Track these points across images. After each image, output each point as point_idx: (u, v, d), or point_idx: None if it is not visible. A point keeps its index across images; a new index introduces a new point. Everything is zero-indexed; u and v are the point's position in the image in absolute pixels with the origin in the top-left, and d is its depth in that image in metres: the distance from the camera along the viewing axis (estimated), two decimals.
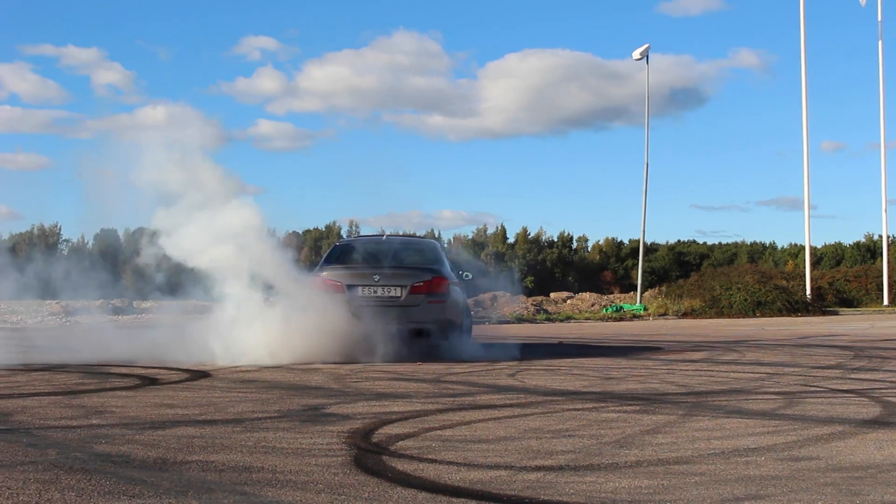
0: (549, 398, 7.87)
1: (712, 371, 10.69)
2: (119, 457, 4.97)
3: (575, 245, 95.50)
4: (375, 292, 12.61)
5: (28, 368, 10.83)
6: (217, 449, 5.22)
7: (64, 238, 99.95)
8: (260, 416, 6.69)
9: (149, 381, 9.22)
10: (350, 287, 12.60)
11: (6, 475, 4.49)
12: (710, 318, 34.84)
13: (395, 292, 12.70)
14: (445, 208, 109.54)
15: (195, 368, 10.60)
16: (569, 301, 41.09)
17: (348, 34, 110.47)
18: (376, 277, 12.70)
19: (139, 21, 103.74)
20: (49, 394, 8.13)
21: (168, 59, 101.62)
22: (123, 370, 10.50)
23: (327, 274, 12.85)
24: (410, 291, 12.77)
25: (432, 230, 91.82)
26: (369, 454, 5.09)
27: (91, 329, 21.89)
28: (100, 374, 10.08)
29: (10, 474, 4.51)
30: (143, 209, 13.47)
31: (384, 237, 15.41)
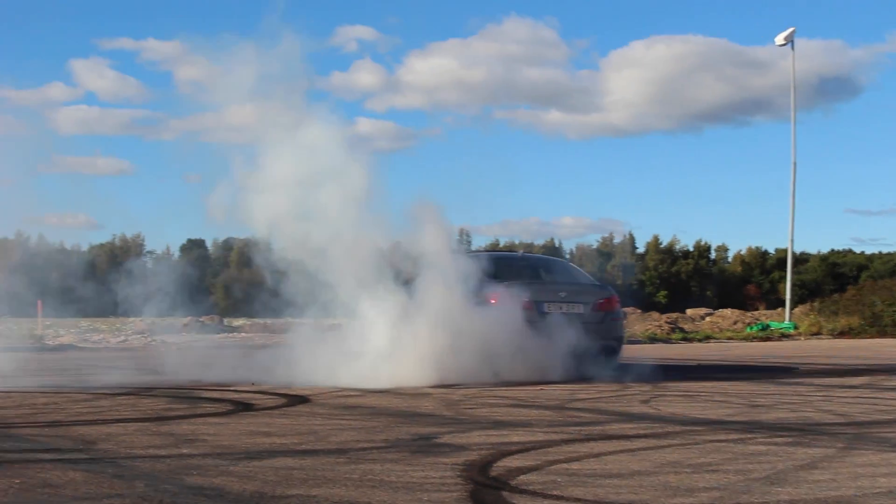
0: (689, 428, 7.78)
1: (875, 398, 10.46)
2: (212, 490, 5.04)
3: (713, 255, 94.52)
4: (561, 308, 13.19)
5: (112, 392, 11.08)
6: (319, 482, 5.27)
7: (148, 249, 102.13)
8: (365, 445, 6.73)
9: (243, 407, 9.36)
10: (535, 303, 13.13)
11: None
12: (871, 337, 34.11)
13: (579, 309, 13.41)
14: (566, 215, 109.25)
15: (293, 393, 10.73)
16: (707, 318, 40.65)
17: (454, 22, 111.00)
18: (562, 294, 13.42)
19: (224, 11, 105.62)
20: (135, 420, 8.31)
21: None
22: (215, 394, 10.68)
23: (511, 289, 13.13)
24: (593, 308, 13.59)
25: (552, 239, 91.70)
26: (487, 489, 5.08)
27: (179, 349, 22.32)
28: (189, 399, 10.27)
29: None
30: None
31: (519, 254, 15.99)
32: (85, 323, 32.23)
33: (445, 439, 7.05)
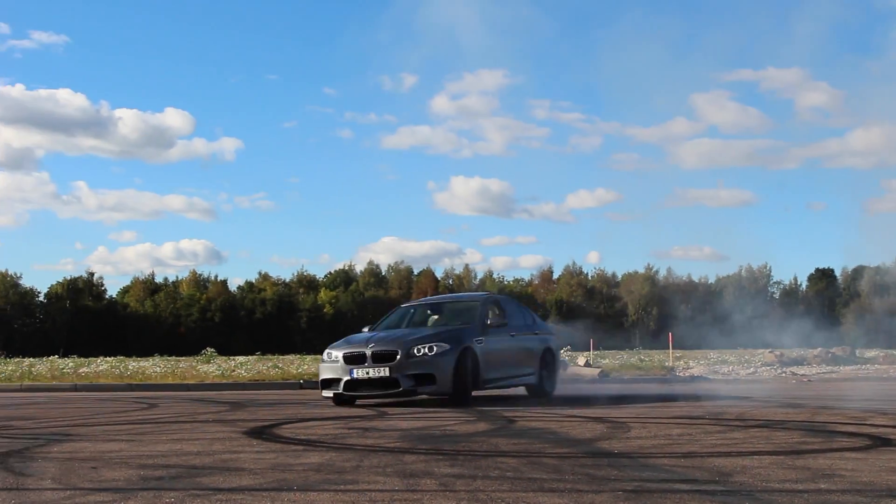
0: None
1: None
2: None
3: None
4: None
5: (744, 425, 11.18)
6: None
7: (774, 280, 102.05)
8: None
9: (881, 442, 9.09)
10: None
11: None
12: None
13: None
14: None
15: None
16: None
17: None
18: None
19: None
20: (769, 453, 8.32)
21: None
22: (851, 428, 10.45)
23: None
24: None
25: None
26: None
27: (810, 381, 22.10)
28: (824, 433, 10.12)
29: None
30: None
31: None
32: (713, 354, 32.76)
33: None
